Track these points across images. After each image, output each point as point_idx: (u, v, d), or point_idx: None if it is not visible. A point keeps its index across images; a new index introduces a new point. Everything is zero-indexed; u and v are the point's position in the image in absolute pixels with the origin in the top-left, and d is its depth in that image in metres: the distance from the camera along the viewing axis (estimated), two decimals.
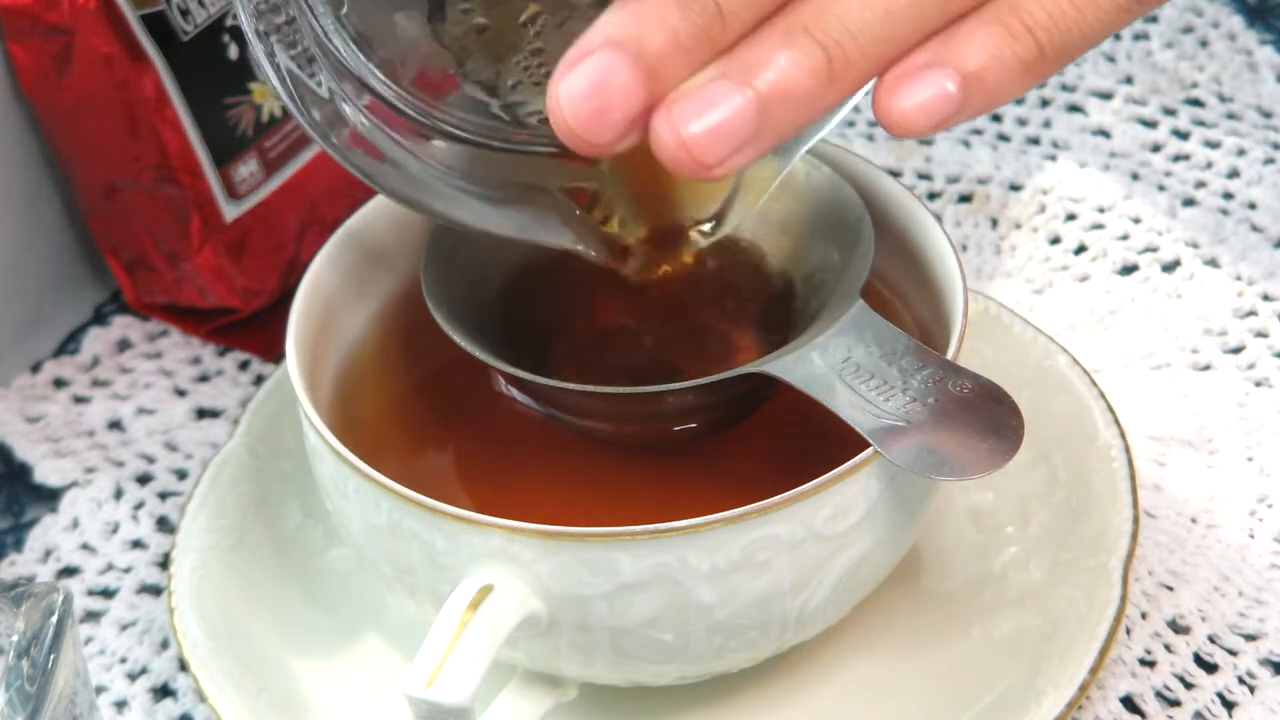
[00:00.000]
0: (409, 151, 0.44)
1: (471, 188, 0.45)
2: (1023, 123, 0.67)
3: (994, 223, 0.64)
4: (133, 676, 0.53)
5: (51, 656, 0.41)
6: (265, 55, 0.42)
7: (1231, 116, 0.67)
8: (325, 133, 0.43)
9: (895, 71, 0.39)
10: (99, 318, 0.65)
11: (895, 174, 0.65)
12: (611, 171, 0.47)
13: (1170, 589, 0.52)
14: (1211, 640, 0.51)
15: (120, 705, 0.53)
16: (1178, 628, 0.51)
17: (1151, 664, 0.51)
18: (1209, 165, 0.66)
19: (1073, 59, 0.40)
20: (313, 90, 0.42)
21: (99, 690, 0.53)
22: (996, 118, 0.68)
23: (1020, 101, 0.68)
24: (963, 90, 0.39)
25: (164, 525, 0.58)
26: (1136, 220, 0.64)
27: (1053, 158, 0.66)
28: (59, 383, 0.63)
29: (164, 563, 0.56)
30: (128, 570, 0.56)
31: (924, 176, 0.66)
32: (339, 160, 0.44)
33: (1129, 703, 0.50)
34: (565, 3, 0.43)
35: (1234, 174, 0.65)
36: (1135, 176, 0.65)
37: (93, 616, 0.55)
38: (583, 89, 0.38)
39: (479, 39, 0.43)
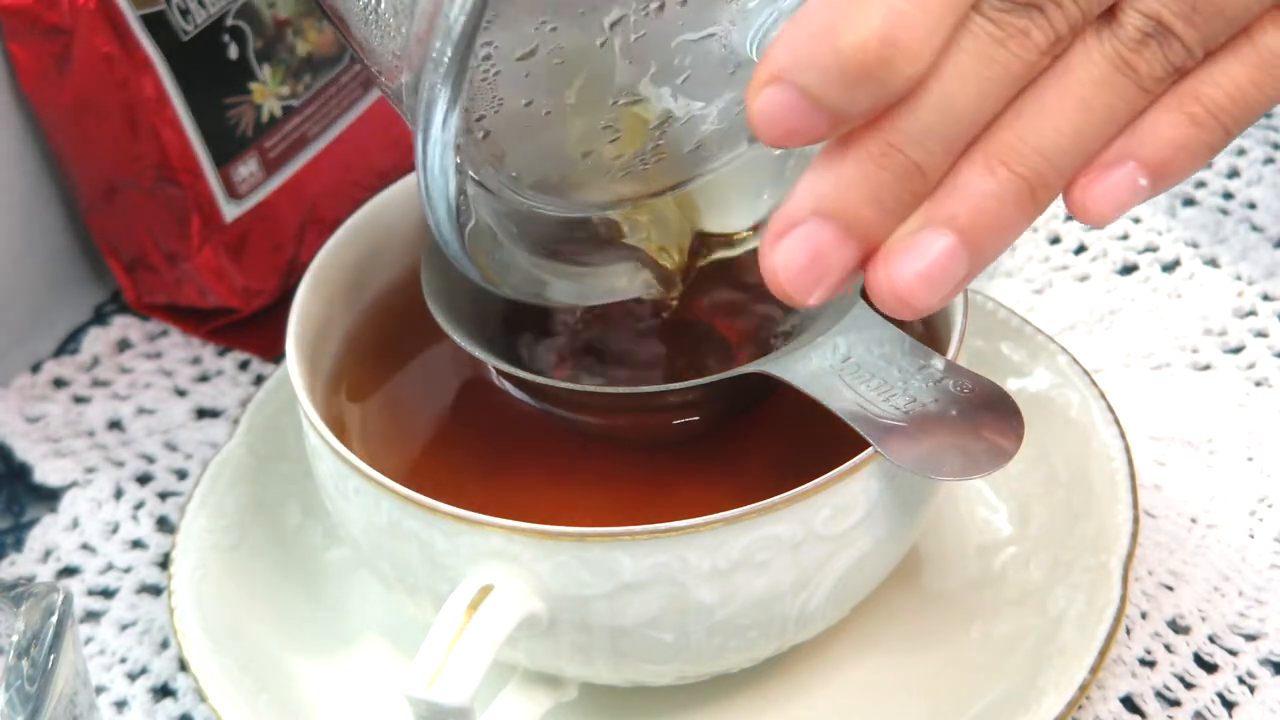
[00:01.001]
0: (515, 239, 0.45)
1: (563, 265, 0.46)
2: None
3: None
4: (133, 676, 0.53)
5: (51, 656, 0.41)
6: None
7: None
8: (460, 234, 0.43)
9: (1086, 170, 0.40)
10: (99, 318, 0.65)
11: None
12: (665, 209, 0.47)
13: (1170, 589, 0.52)
14: (1211, 640, 0.51)
15: (120, 705, 0.53)
16: (1178, 628, 0.51)
17: (1151, 664, 0.51)
18: (1209, 165, 0.66)
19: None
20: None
21: (99, 690, 0.53)
22: None
23: None
24: (1152, 181, 0.40)
25: (164, 525, 0.58)
26: (1136, 220, 0.64)
27: None
28: (59, 383, 0.63)
29: (164, 563, 0.56)
30: (128, 570, 0.56)
31: None
32: (461, 261, 0.43)
33: (1129, 703, 0.50)
34: (691, 110, 0.44)
35: (1234, 174, 0.65)
36: None
37: (93, 616, 0.55)
38: (800, 262, 0.39)
39: (610, 145, 0.44)
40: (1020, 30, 0.38)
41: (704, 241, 0.48)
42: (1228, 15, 0.38)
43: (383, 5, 0.40)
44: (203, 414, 0.61)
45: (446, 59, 0.38)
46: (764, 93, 0.37)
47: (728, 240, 0.49)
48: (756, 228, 0.48)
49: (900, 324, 0.47)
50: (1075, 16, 0.38)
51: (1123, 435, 0.53)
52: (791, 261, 0.39)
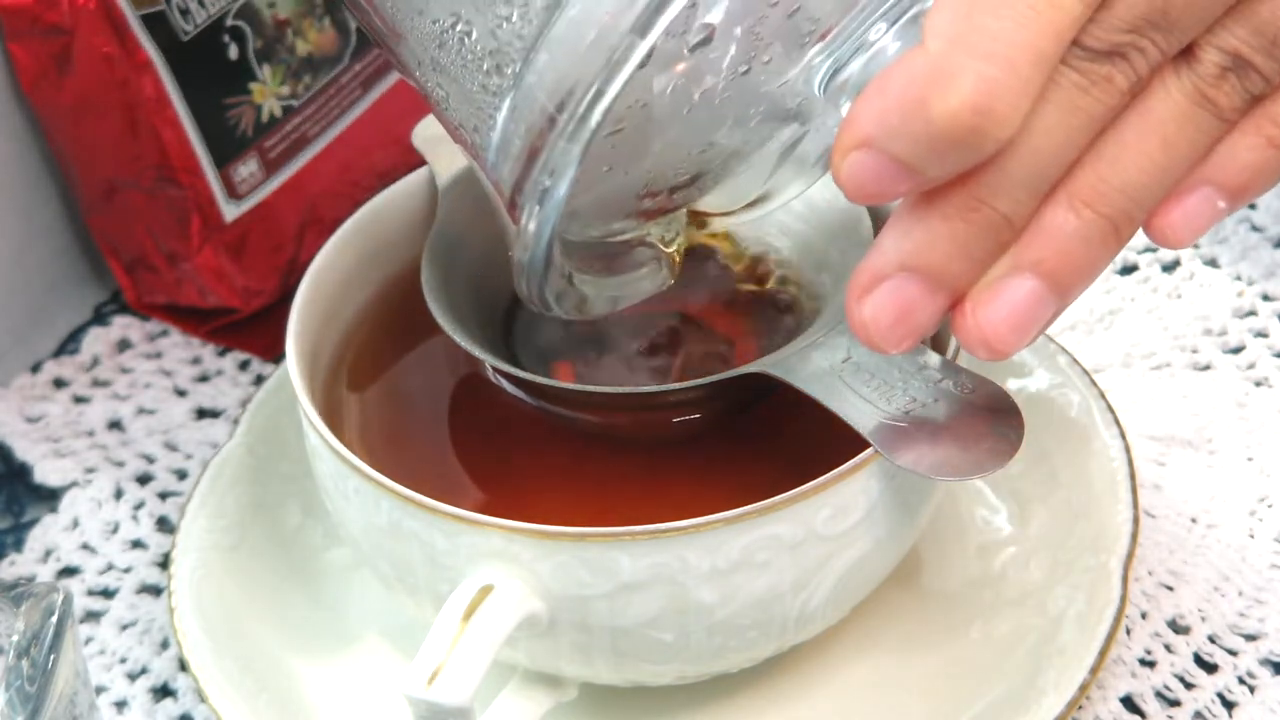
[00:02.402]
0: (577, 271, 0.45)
1: (594, 277, 0.46)
2: None
3: None
4: (133, 676, 0.53)
5: (51, 656, 0.41)
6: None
7: None
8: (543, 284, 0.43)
9: (1165, 198, 0.40)
10: (99, 318, 0.65)
11: None
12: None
13: (1170, 589, 0.52)
14: (1211, 640, 0.51)
15: (120, 705, 0.53)
16: (1178, 628, 0.51)
17: (1151, 664, 0.51)
18: None
19: None
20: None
21: (99, 690, 0.53)
22: None
23: None
24: (1230, 203, 0.40)
25: (164, 525, 0.58)
26: None
27: None
28: (59, 383, 0.63)
29: (164, 563, 0.56)
30: (128, 570, 0.56)
31: None
32: (541, 299, 0.44)
33: (1129, 703, 0.50)
34: (755, 144, 0.44)
35: None
36: None
37: (93, 616, 0.55)
38: (890, 317, 0.39)
39: (672, 186, 0.44)
40: (1104, 77, 0.38)
41: (692, 218, 0.49)
42: None
43: (473, 37, 0.39)
44: (203, 414, 0.61)
45: (592, 126, 0.38)
46: (852, 156, 0.37)
47: (714, 216, 0.49)
48: (749, 205, 0.48)
49: None
50: (1156, 58, 0.38)
51: (1123, 435, 0.53)
52: (881, 316, 0.39)
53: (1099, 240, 0.39)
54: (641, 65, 0.37)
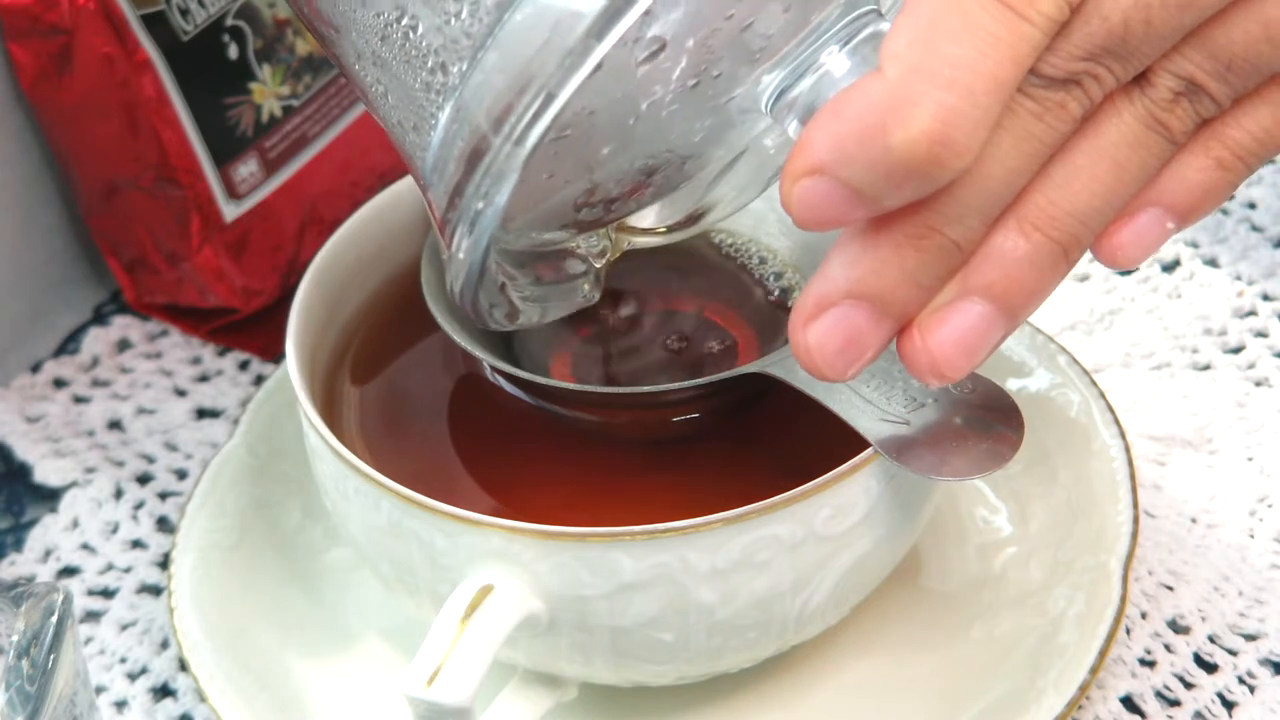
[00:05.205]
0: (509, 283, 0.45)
1: (529, 287, 0.46)
2: None
3: None
4: (133, 676, 0.53)
5: (51, 656, 0.41)
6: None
7: None
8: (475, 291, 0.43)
9: (1114, 219, 0.40)
10: (99, 318, 0.65)
11: None
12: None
13: (1170, 589, 0.52)
14: (1211, 640, 0.51)
15: (120, 705, 0.53)
16: (1178, 628, 0.51)
17: (1151, 664, 0.51)
18: None
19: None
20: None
21: (99, 690, 0.53)
22: None
23: None
24: (1179, 225, 0.40)
25: (164, 525, 0.58)
26: None
27: None
28: (59, 383, 0.63)
29: (164, 563, 0.56)
30: (128, 570, 0.56)
31: None
32: (471, 305, 0.43)
33: (1129, 703, 0.50)
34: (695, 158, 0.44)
35: None
36: None
37: (93, 616, 0.55)
38: (836, 345, 0.39)
39: (607, 197, 0.44)
40: (1058, 104, 0.38)
41: (622, 233, 0.48)
42: (1260, 69, 0.38)
43: (419, 32, 0.39)
44: (203, 414, 0.61)
45: (540, 130, 0.37)
46: (804, 182, 0.37)
47: (642, 233, 0.48)
48: (674, 227, 0.48)
49: None
50: (1110, 85, 0.38)
51: (1123, 435, 0.53)
52: (827, 344, 0.39)
53: (1049, 263, 0.39)
54: (594, 71, 0.37)
